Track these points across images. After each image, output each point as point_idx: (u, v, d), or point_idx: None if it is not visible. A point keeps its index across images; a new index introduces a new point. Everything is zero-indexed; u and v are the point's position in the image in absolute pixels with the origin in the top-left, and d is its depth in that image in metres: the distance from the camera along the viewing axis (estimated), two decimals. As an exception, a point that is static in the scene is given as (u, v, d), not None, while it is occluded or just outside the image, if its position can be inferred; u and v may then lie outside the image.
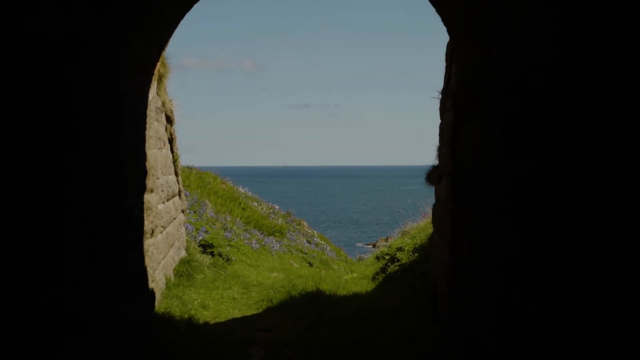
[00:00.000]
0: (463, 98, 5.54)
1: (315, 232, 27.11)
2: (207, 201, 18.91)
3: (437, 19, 5.90)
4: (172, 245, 9.86)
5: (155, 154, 8.20)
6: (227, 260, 13.81)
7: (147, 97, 6.56)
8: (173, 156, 10.40)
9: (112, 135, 5.24)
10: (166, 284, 8.77)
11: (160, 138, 8.98)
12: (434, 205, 8.81)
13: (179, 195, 11.30)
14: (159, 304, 7.63)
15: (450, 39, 6.78)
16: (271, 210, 25.18)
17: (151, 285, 6.90)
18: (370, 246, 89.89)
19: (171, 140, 10.13)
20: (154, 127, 7.97)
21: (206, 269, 11.09)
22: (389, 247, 11.55)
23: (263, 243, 18.85)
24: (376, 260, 11.14)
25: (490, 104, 4.60)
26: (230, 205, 20.46)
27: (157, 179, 8.47)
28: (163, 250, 8.69)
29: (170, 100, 9.98)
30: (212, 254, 13.66)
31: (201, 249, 13.58)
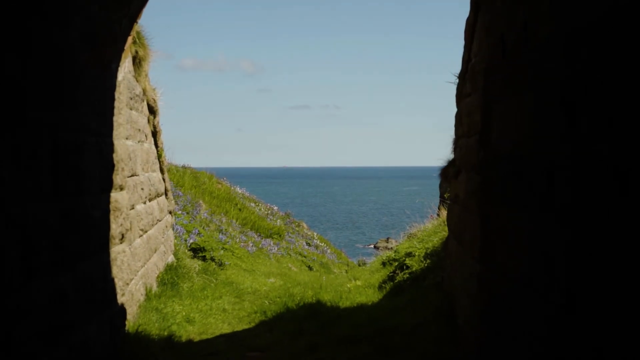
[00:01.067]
0: (498, 72, 4.46)
1: (315, 233, 26.05)
2: (201, 202, 17.83)
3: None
4: (156, 250, 8.77)
5: (132, 146, 7.12)
6: (220, 265, 12.72)
7: (115, 77, 5.48)
8: (158, 151, 9.32)
9: (60, 117, 4.16)
10: (146, 295, 7.68)
11: (140, 129, 7.90)
12: (449, 205, 7.72)
13: (166, 194, 10.23)
14: (135, 320, 6.54)
15: (473, 6, 5.70)
16: (269, 211, 24.11)
17: (121, 299, 5.81)
18: (371, 247, 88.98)
19: (155, 134, 9.06)
20: (128, 116, 6.89)
21: (195, 275, 9.99)
22: (395, 251, 10.45)
23: (260, 246, 17.76)
24: (382, 266, 10.04)
25: (540, 72, 3.52)
26: (226, 206, 19.39)
27: (135, 175, 7.39)
28: (142, 257, 7.61)
29: (154, 89, 8.91)
30: (203, 258, 12.58)
31: (192, 253, 12.50)
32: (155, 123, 8.90)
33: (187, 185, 19.19)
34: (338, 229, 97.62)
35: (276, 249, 18.36)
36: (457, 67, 7.90)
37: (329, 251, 23.21)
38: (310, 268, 18.74)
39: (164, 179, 9.88)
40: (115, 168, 5.49)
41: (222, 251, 13.92)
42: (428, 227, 12.86)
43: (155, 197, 8.93)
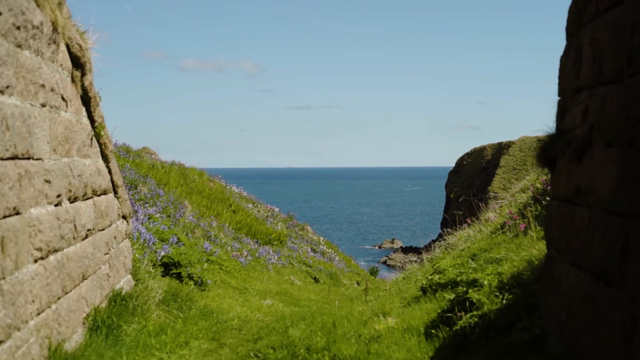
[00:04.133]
0: None
1: (322, 238, 22.77)
2: (186, 202, 14.69)
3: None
4: (86, 276, 5.63)
5: (19, 108, 3.98)
6: (201, 284, 9.58)
7: None
8: (94, 128, 6.16)
9: None
10: (50, 357, 4.52)
11: (46, 86, 4.75)
12: (553, 205, 4.55)
13: (115, 192, 7.07)
14: None
15: None
16: (269, 213, 20.90)
17: None
18: (376, 248, 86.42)
19: (87, 101, 5.90)
20: (5, 52, 3.75)
21: (154, 307, 6.81)
22: (437, 271, 7.28)
23: (257, 255, 14.61)
24: (421, 293, 6.87)
25: None
26: (217, 208, 16.22)
27: (28, 158, 4.26)
28: (43, 294, 4.45)
29: (83, 33, 5.74)
30: (178, 276, 9.43)
31: (162, 269, 9.36)
32: (87, 84, 5.74)
33: (173, 183, 16.07)
34: (341, 230, 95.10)
35: (276, 257, 15.21)
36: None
37: (337, 258, 20.02)
38: (316, 280, 15.60)
39: (109, 170, 6.72)
40: None
41: (205, 264, 10.79)
42: (471, 235, 9.70)
43: (87, 196, 5.79)
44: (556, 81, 4.65)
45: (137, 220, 11.13)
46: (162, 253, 9.50)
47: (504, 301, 5.03)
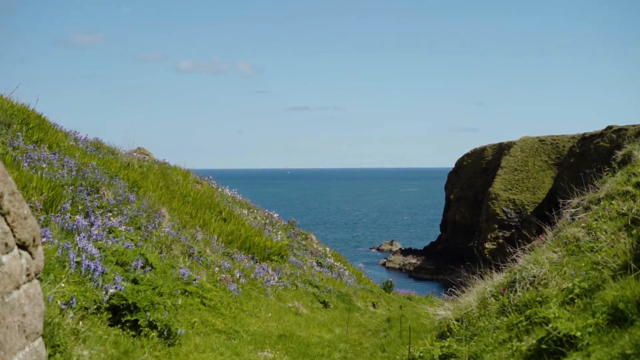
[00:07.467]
0: None
1: (328, 249, 19.48)
2: (164, 210, 11.49)
3: None
4: None
5: None
6: (168, 336, 6.39)
7: None
8: None
9: None
10: None
11: None
12: None
13: (-4, 206, 3.90)
14: None
15: None
16: (268, 220, 17.70)
17: None
18: (374, 250, 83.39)
19: None
20: None
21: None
22: (555, 340, 4.19)
23: (252, 275, 11.42)
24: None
25: None
26: (204, 215, 13.02)
27: None
28: None
29: None
30: (134, 326, 6.24)
31: (111, 315, 6.19)
32: None
33: (151, 186, 12.87)
34: (339, 232, 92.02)
35: (276, 278, 12.04)
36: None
37: (346, 273, 16.85)
38: (325, 304, 12.44)
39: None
40: None
41: (180, 299, 7.63)
42: (557, 260, 6.56)
43: None
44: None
45: (87, 237, 7.97)
46: (111, 290, 6.32)
47: None
